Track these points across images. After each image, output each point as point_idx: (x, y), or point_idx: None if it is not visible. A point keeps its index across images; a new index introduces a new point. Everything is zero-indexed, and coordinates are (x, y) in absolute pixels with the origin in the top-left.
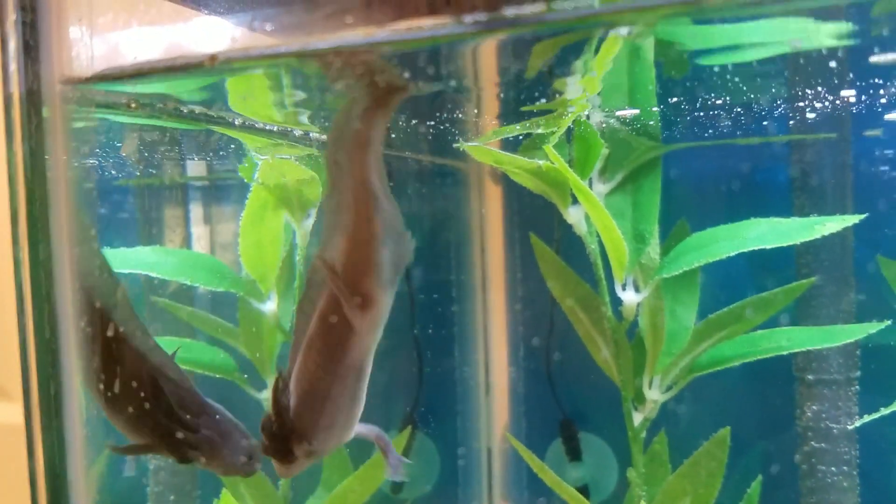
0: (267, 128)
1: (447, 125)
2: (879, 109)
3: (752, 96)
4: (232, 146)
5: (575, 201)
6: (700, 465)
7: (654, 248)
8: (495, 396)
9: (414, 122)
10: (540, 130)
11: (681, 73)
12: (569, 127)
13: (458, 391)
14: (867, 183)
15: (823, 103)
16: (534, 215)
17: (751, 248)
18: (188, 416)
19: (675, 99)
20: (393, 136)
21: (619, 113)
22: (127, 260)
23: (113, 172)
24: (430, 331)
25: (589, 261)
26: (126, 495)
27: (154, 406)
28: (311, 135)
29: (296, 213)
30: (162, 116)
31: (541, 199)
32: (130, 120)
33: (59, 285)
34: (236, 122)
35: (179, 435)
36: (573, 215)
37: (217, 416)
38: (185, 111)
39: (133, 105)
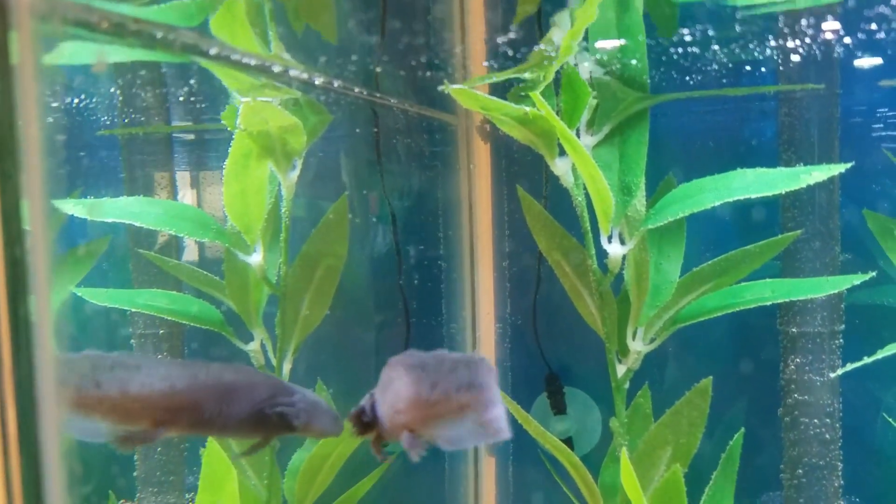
0: (245, 60)
1: (435, 72)
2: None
3: (741, 48)
4: (208, 82)
5: (562, 153)
6: (682, 414)
7: (640, 201)
8: (482, 351)
9: (403, 72)
10: (527, 75)
11: (669, 25)
12: (556, 77)
13: (445, 347)
14: (855, 136)
15: (812, 54)
16: (522, 171)
17: (736, 198)
18: (286, 399)
19: (663, 50)
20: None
21: (603, 45)
22: (112, 210)
23: (95, 118)
24: (417, 285)
25: (575, 215)
26: (111, 449)
27: (260, 410)
28: (290, 71)
29: (280, 163)
30: (137, 41)
31: (529, 155)
32: (109, 48)
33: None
34: (212, 52)
35: (284, 412)
36: (560, 167)
37: (305, 393)
38: (160, 35)
39: (105, 24)
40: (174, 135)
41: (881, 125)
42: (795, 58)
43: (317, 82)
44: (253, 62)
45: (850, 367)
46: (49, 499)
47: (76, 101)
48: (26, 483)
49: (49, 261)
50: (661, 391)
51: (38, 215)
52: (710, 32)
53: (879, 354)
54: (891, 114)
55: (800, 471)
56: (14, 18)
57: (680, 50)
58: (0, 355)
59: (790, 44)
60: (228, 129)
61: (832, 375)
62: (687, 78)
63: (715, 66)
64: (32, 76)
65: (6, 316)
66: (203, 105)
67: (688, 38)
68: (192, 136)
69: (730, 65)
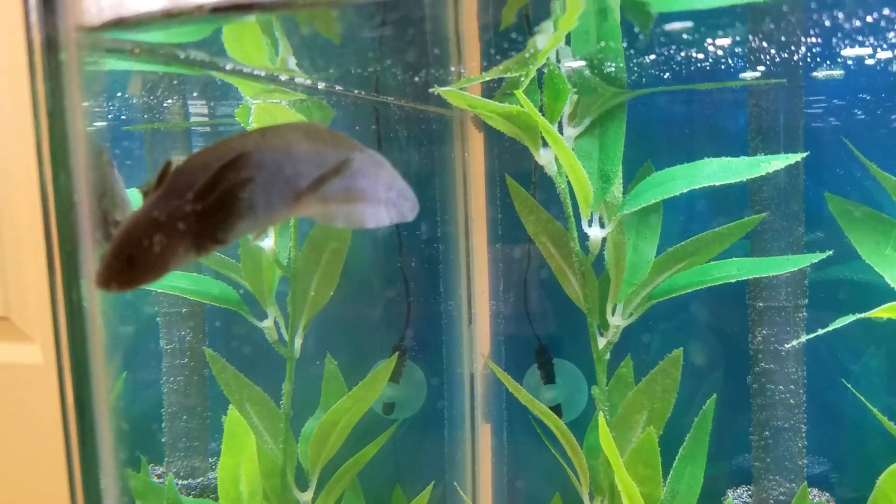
0: (256, 72)
1: (433, 74)
2: (828, 53)
3: (712, 44)
4: (228, 92)
5: (545, 144)
6: (656, 381)
7: (617, 188)
8: (477, 327)
9: (402, 75)
10: (510, 75)
11: (645, 25)
12: (540, 74)
13: (443, 323)
14: (817, 124)
15: (778, 50)
16: (512, 159)
17: (702, 185)
18: None
19: (640, 48)
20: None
21: (582, 63)
22: (136, 202)
23: (123, 117)
24: (416, 266)
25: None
26: (141, 417)
27: None
28: (296, 80)
29: None
30: (163, 61)
31: (519, 144)
32: (136, 66)
33: (80, 211)
34: (227, 67)
35: None
36: (544, 157)
37: None
38: (182, 56)
39: (136, 51)
40: (192, 128)
41: (842, 115)
42: (763, 52)
43: (320, 87)
44: (262, 73)
45: (804, 338)
46: (102, 455)
47: (106, 103)
48: (82, 440)
49: (94, 251)
50: (645, 361)
51: (86, 214)
52: (686, 34)
53: (831, 327)
54: (851, 104)
55: (767, 432)
56: (64, 47)
57: (658, 47)
58: (58, 333)
59: (758, 39)
60: (242, 125)
61: (793, 344)
62: (663, 73)
63: (688, 66)
64: (79, 97)
65: (64, 300)
66: (217, 100)
67: (664, 38)
68: (208, 129)
69: (702, 60)
